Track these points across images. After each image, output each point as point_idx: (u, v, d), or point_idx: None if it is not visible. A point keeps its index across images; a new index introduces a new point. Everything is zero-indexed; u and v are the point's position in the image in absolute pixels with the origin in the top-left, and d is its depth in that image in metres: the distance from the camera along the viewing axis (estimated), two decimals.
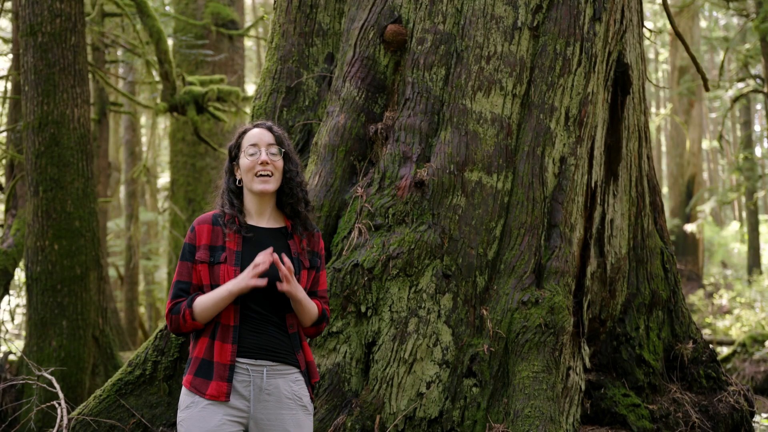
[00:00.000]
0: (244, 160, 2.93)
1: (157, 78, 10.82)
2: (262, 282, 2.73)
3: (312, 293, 3.00)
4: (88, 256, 7.04)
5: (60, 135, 6.99)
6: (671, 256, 5.13)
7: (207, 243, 2.87)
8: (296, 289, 2.82)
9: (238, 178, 2.97)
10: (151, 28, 8.73)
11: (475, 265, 4.21)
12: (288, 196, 2.98)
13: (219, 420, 2.74)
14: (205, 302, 2.79)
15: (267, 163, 2.90)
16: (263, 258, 2.73)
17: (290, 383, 2.87)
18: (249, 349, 2.81)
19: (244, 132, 3.00)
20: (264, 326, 2.84)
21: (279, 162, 2.95)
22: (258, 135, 2.96)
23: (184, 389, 2.84)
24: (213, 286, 2.83)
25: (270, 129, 2.99)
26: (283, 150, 2.97)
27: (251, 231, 2.91)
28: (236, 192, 2.97)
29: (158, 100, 10.17)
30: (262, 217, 2.96)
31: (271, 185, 2.92)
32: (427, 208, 4.20)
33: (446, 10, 4.47)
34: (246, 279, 2.73)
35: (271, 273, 2.85)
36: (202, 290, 2.86)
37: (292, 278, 2.79)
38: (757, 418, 6.01)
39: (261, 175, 2.90)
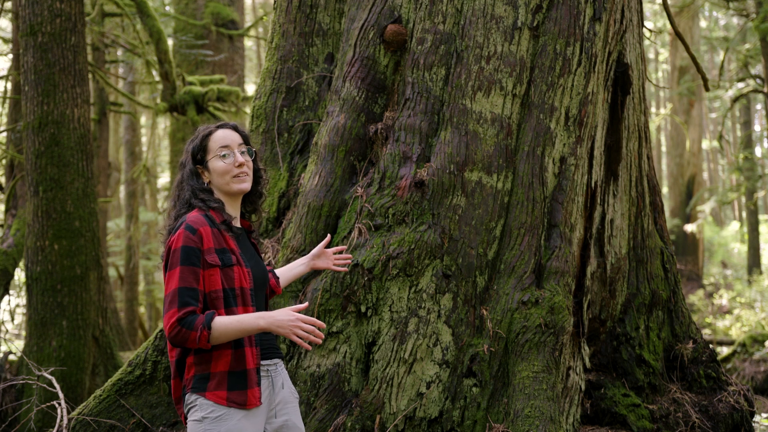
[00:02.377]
0: (217, 163, 2.85)
1: (157, 78, 10.83)
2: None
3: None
4: (88, 256, 7.04)
5: (60, 135, 6.99)
6: (671, 256, 5.13)
7: (212, 246, 2.76)
8: None
9: (206, 180, 2.89)
10: (151, 28, 8.73)
11: (475, 265, 4.21)
12: (256, 195, 2.99)
13: (255, 429, 2.73)
14: (229, 328, 2.64)
15: (244, 164, 2.86)
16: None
17: (287, 378, 2.97)
18: (267, 351, 2.84)
19: (209, 134, 2.91)
20: None
21: (250, 161, 2.93)
22: (228, 136, 2.89)
23: (211, 403, 2.70)
24: (227, 290, 2.73)
25: (236, 129, 2.95)
26: (252, 149, 2.95)
27: (238, 230, 2.93)
28: (209, 192, 2.88)
29: (158, 100, 10.17)
30: (236, 218, 2.97)
31: (248, 184, 2.89)
32: (427, 208, 4.20)
33: (446, 10, 4.47)
34: (290, 323, 2.62)
35: (264, 272, 2.94)
36: (205, 298, 2.73)
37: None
38: (757, 418, 6.01)
39: (239, 176, 2.86)
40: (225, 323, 2.64)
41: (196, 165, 2.90)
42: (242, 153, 2.89)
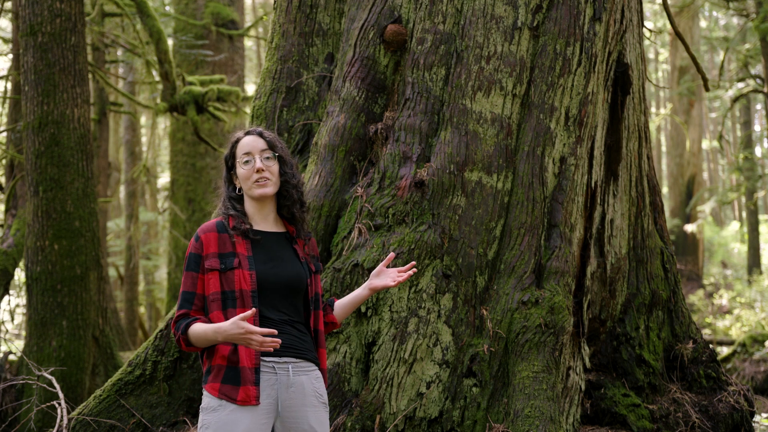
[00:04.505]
0: (240, 170, 2.95)
1: (157, 78, 10.83)
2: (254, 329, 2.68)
3: (321, 296, 3.07)
4: (88, 256, 7.04)
5: (60, 135, 6.98)
6: (671, 256, 5.13)
7: (215, 251, 2.87)
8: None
9: (237, 186, 3.00)
10: (151, 28, 8.73)
11: (475, 265, 4.21)
12: (285, 198, 3.00)
13: (246, 425, 2.75)
14: (198, 334, 2.78)
15: (263, 170, 2.92)
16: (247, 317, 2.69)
17: (312, 380, 2.91)
18: (277, 348, 2.81)
19: (237, 141, 3.01)
20: (284, 327, 2.86)
21: (274, 167, 2.96)
22: (250, 143, 2.97)
23: (208, 394, 2.82)
24: (226, 292, 2.83)
25: (261, 135, 3.00)
26: (276, 154, 2.98)
27: (258, 234, 2.93)
28: (237, 199, 3.00)
29: (158, 100, 10.17)
30: (265, 222, 2.98)
31: (270, 188, 2.94)
32: (427, 208, 4.20)
33: (446, 10, 4.48)
34: (240, 336, 2.65)
35: (293, 276, 2.90)
36: (204, 301, 2.85)
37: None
38: (757, 418, 6.01)
39: (258, 182, 2.92)
40: (196, 332, 2.78)
41: (229, 172, 3.03)
42: (266, 159, 2.94)
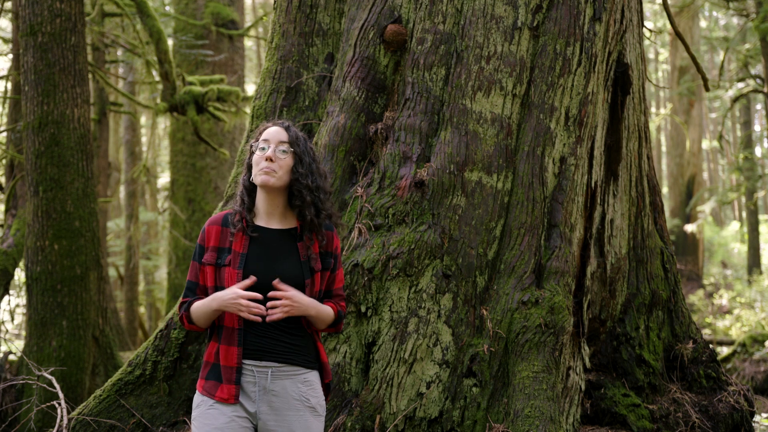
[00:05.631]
0: (255, 155, 2.94)
1: (157, 78, 10.83)
2: (255, 305, 2.76)
3: (327, 292, 3.03)
4: (88, 256, 7.04)
5: (60, 135, 6.98)
6: (671, 256, 5.13)
7: (215, 245, 2.90)
8: (298, 310, 2.83)
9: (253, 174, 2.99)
10: (151, 28, 8.73)
11: (475, 265, 4.21)
12: (296, 197, 2.93)
13: (227, 418, 2.80)
14: (197, 310, 2.88)
15: (272, 160, 2.87)
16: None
17: (298, 384, 2.87)
18: (254, 351, 2.83)
19: (265, 129, 3.00)
20: (269, 330, 2.84)
21: (287, 160, 2.91)
22: (272, 132, 2.95)
23: (196, 391, 2.91)
24: (218, 288, 2.86)
25: (287, 128, 2.98)
26: (293, 150, 2.93)
27: (257, 231, 2.90)
28: (250, 189, 2.98)
29: (158, 100, 10.17)
30: (271, 217, 2.95)
31: (273, 179, 2.88)
32: (427, 208, 4.20)
33: (446, 10, 4.48)
34: (231, 301, 2.76)
35: (285, 277, 2.85)
36: (206, 291, 2.91)
37: (286, 306, 2.81)
38: (757, 418, 6.02)
39: (264, 169, 2.88)
40: (196, 305, 2.88)
41: (251, 158, 3.00)
42: (281, 150, 2.91)
